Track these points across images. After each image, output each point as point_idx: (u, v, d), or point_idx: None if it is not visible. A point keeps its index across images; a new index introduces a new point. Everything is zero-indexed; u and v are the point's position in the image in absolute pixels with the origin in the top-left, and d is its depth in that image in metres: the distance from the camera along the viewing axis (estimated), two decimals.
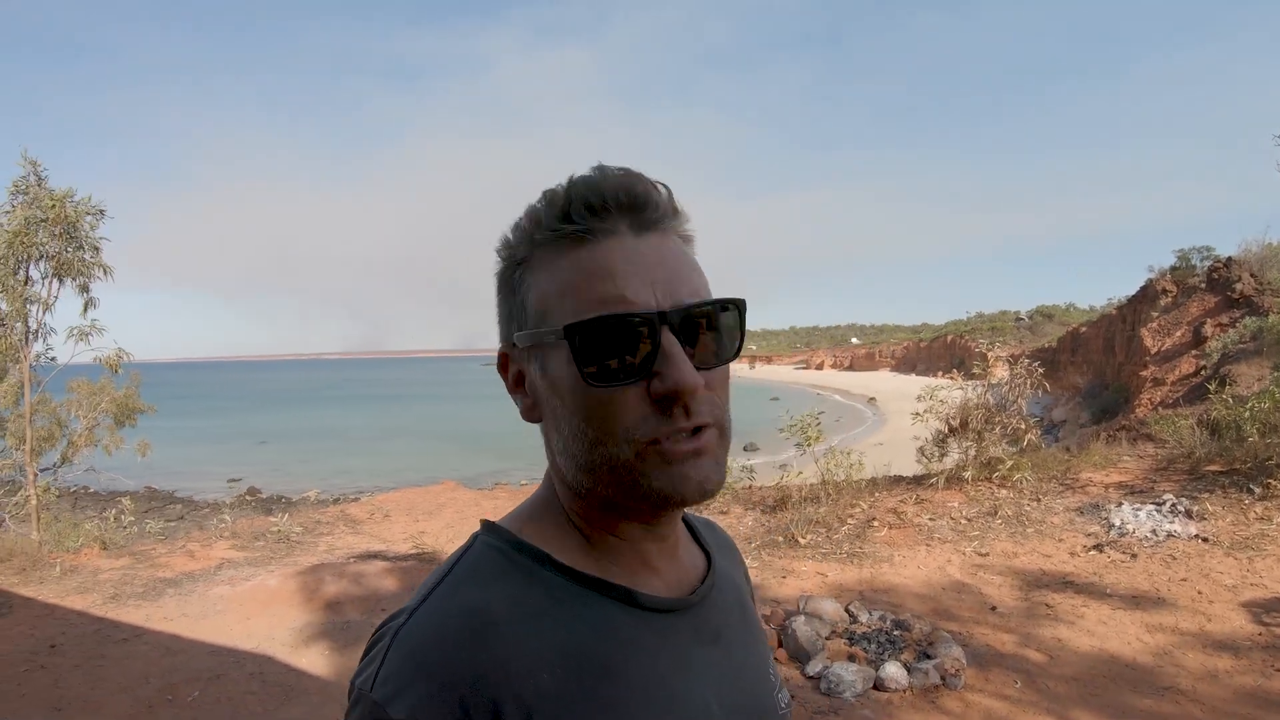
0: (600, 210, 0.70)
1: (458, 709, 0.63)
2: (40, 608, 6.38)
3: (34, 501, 10.10)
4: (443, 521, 9.78)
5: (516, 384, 0.77)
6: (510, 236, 0.76)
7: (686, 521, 0.91)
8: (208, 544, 8.57)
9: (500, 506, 10.45)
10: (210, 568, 7.63)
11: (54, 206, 9.76)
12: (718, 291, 0.74)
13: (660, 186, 0.73)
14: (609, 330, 0.67)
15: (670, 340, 0.67)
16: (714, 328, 0.71)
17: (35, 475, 10.53)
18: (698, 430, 0.69)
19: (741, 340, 0.74)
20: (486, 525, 0.79)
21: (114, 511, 10.61)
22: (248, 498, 24.56)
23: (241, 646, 5.69)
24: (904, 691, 4.51)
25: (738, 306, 0.74)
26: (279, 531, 9.01)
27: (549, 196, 0.72)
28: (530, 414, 0.76)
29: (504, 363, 0.78)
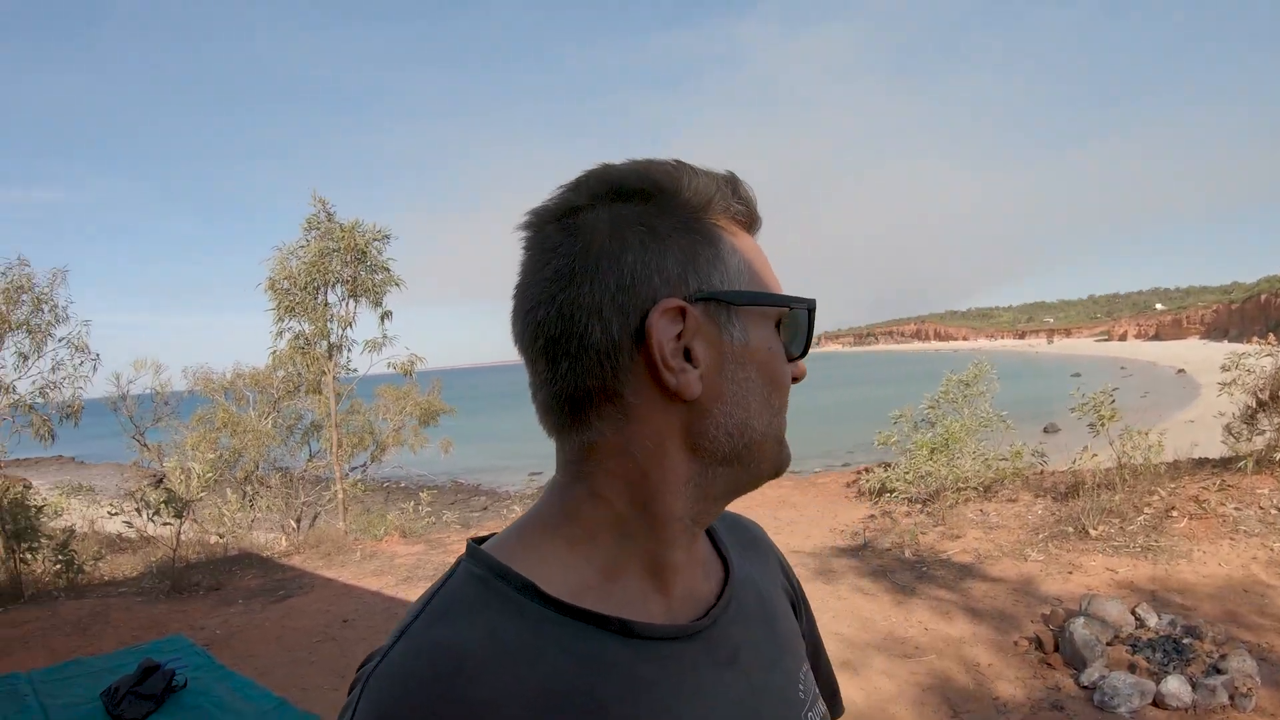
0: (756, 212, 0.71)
1: None
2: (339, 587, 7.24)
3: (341, 496, 11.61)
4: (740, 505, 9.85)
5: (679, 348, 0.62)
6: (696, 180, 0.65)
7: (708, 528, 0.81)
8: None
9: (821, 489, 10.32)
10: None
11: (343, 237, 11.11)
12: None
13: None
14: (811, 314, 0.71)
15: None
16: None
17: (344, 473, 12.09)
18: None
19: None
20: (470, 548, 0.68)
21: (412, 503, 11.85)
22: None
23: None
24: (1186, 710, 3.81)
25: None
26: None
27: (728, 177, 0.68)
28: (692, 387, 0.62)
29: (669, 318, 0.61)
